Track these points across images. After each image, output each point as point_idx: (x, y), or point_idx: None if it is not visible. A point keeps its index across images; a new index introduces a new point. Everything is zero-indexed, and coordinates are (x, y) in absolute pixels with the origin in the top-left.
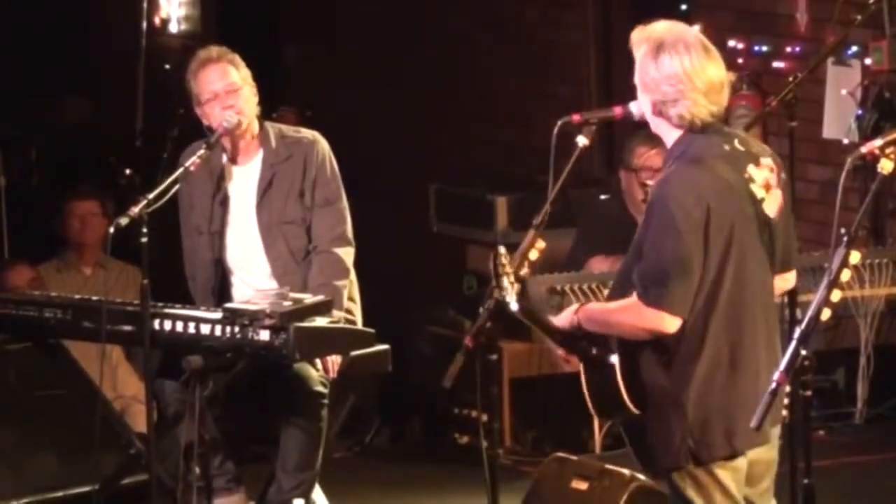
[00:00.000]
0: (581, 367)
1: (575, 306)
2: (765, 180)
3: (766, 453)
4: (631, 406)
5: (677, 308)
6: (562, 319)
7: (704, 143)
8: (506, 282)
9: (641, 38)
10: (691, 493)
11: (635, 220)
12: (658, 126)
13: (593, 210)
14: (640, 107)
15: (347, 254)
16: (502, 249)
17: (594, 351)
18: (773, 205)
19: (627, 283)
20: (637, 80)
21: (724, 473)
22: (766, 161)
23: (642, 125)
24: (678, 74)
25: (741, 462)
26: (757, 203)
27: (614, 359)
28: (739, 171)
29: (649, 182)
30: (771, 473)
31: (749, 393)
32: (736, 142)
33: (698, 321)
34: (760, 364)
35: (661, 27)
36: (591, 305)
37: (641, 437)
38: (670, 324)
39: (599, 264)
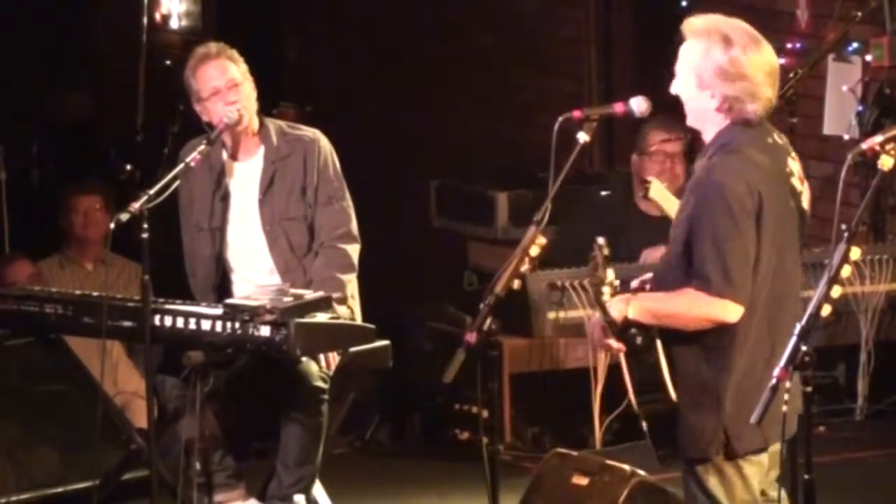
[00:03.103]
0: (622, 357)
1: (625, 296)
2: (799, 173)
3: (774, 446)
4: (674, 396)
5: (741, 296)
6: (613, 310)
7: (750, 134)
8: (611, 273)
9: (700, 29)
10: (714, 485)
11: (640, 208)
12: (706, 116)
13: (593, 206)
14: (691, 95)
15: (354, 251)
16: (602, 240)
17: (639, 340)
18: (806, 198)
19: (671, 274)
20: (698, 71)
21: (749, 468)
22: (794, 154)
23: (643, 121)
24: (757, 72)
25: (764, 457)
26: (797, 196)
27: (658, 348)
28: (781, 163)
29: (649, 178)
30: (776, 463)
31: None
32: (775, 135)
33: (743, 313)
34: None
35: (718, 20)
36: (644, 296)
37: (670, 427)
38: (734, 312)
39: (654, 254)
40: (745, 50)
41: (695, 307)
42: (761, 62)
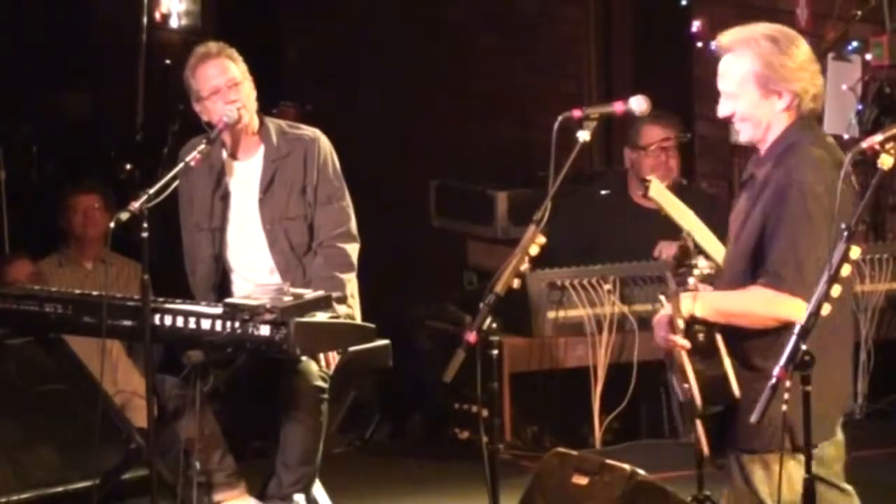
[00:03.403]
0: (684, 355)
1: (691, 294)
2: (852, 173)
3: (839, 436)
4: (736, 392)
5: (810, 295)
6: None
7: (814, 133)
8: (702, 262)
9: (739, 40)
10: (759, 477)
11: (636, 203)
12: (772, 121)
13: (585, 204)
14: (753, 104)
15: (353, 250)
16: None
17: (701, 337)
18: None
19: (735, 273)
20: (760, 77)
21: (795, 465)
22: None
23: (636, 116)
24: (810, 62)
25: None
26: (855, 195)
27: (720, 345)
28: (842, 162)
29: (649, 178)
30: (841, 456)
31: (840, 382)
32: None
33: None
34: (850, 354)
35: (748, 27)
36: (710, 293)
37: (730, 419)
38: (802, 310)
39: (669, 249)
40: (795, 44)
41: (764, 305)
42: (808, 53)
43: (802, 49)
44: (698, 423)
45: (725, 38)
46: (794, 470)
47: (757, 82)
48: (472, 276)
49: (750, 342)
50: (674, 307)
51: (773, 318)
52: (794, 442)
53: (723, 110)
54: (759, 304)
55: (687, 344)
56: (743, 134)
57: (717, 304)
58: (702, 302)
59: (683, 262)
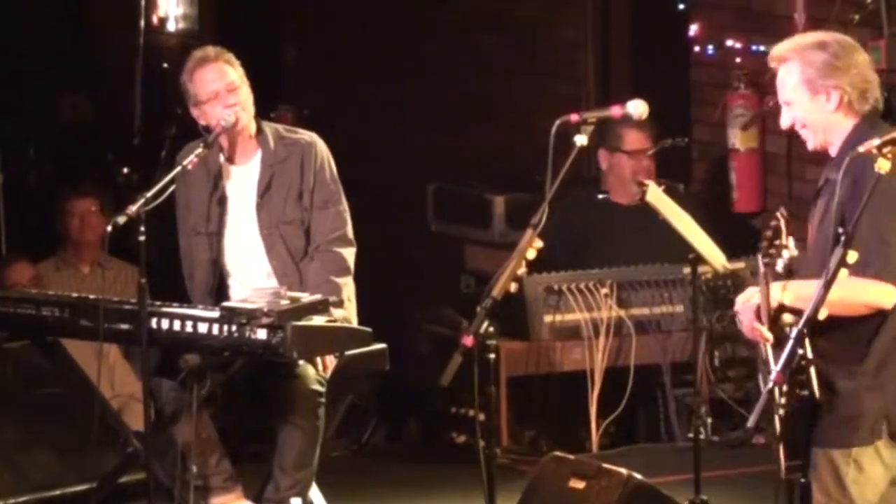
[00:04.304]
0: (768, 348)
1: (780, 283)
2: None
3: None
4: (816, 389)
5: None
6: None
7: (880, 132)
8: (792, 243)
9: (788, 50)
10: (852, 478)
11: (611, 200)
12: (829, 124)
13: (584, 208)
14: (806, 108)
15: (349, 254)
16: (784, 210)
17: (788, 330)
18: None
19: (820, 264)
20: (806, 80)
21: (889, 454)
22: None
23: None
24: (861, 64)
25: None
26: None
27: (805, 340)
28: None
29: (646, 182)
30: None
31: None
32: None
33: None
34: None
35: (797, 38)
36: (798, 282)
37: (824, 415)
38: (891, 296)
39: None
40: (843, 46)
41: (853, 291)
42: (862, 54)
43: (853, 49)
44: (777, 427)
45: (777, 49)
46: (888, 457)
47: (805, 84)
48: (469, 280)
49: (834, 335)
50: (763, 289)
51: (862, 304)
52: (891, 432)
53: (784, 121)
54: (847, 291)
55: (771, 337)
56: (808, 141)
57: (804, 292)
58: (790, 290)
59: (774, 241)
